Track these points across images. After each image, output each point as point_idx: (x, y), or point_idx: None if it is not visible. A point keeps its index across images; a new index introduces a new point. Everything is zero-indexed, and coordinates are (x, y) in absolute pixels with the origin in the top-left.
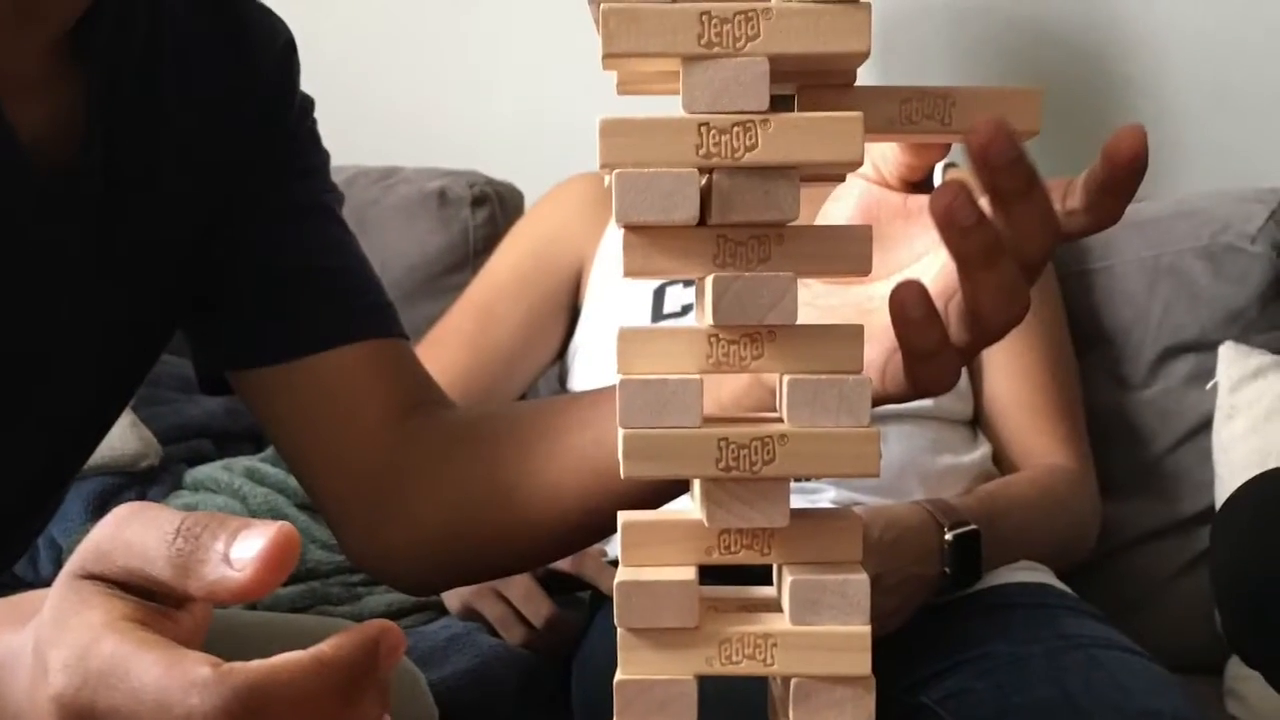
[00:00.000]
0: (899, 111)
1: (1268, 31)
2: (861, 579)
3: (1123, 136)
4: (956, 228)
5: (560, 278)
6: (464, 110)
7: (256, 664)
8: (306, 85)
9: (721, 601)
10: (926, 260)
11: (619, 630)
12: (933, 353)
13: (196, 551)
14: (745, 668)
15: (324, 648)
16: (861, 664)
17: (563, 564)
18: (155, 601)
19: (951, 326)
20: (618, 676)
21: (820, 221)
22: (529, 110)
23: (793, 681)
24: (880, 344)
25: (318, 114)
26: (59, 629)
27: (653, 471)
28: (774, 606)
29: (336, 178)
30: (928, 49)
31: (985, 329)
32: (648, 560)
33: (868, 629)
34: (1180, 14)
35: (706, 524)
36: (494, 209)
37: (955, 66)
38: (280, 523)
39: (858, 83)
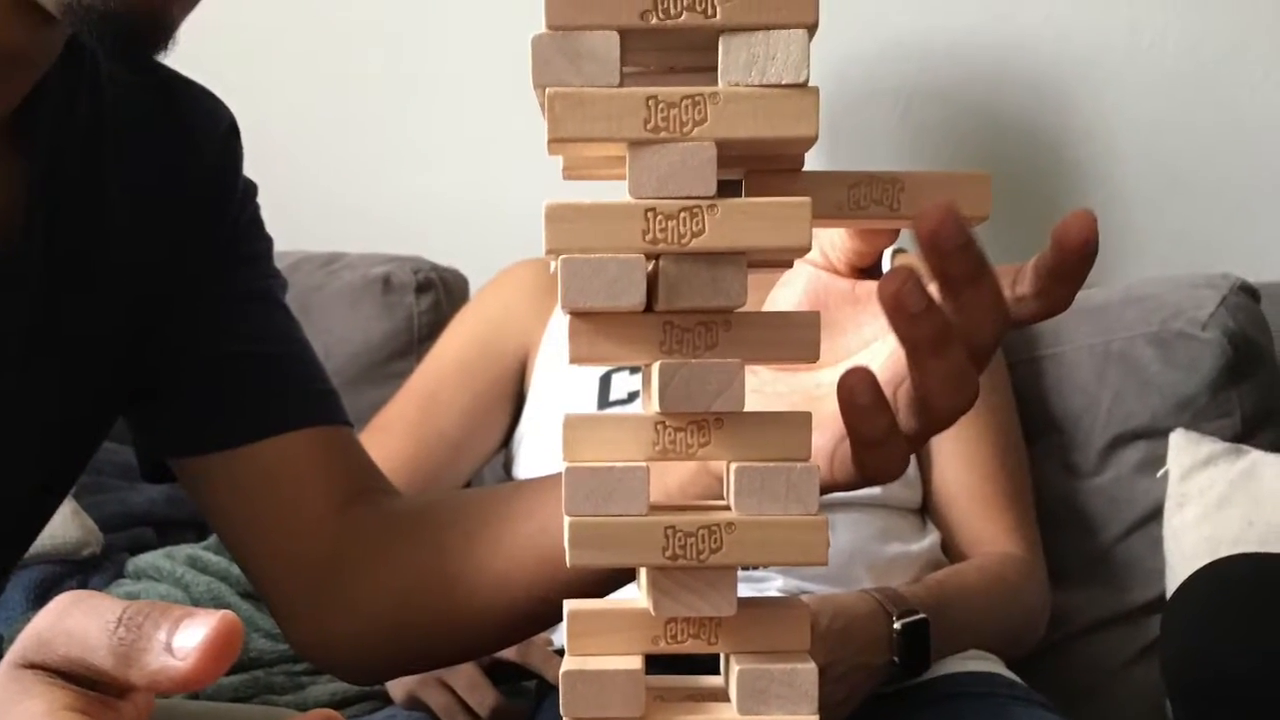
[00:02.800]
0: (847, 196)
1: (1218, 117)
2: (809, 668)
3: (1072, 222)
4: (905, 314)
5: (505, 364)
6: (408, 196)
7: None
8: (250, 170)
9: (668, 691)
10: (875, 346)
11: None
12: (881, 440)
13: (139, 640)
14: None
15: None
16: None
17: (508, 653)
18: (97, 691)
19: (900, 414)
20: None
21: (768, 307)
22: (474, 196)
23: None
24: (828, 431)
25: (261, 199)
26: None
27: (599, 560)
28: (721, 696)
29: (280, 263)
30: (876, 134)
31: (934, 416)
32: (594, 649)
33: (816, 719)
34: (1131, 100)
35: (653, 613)
36: (438, 295)
37: (904, 151)
38: (223, 611)
39: (806, 167)
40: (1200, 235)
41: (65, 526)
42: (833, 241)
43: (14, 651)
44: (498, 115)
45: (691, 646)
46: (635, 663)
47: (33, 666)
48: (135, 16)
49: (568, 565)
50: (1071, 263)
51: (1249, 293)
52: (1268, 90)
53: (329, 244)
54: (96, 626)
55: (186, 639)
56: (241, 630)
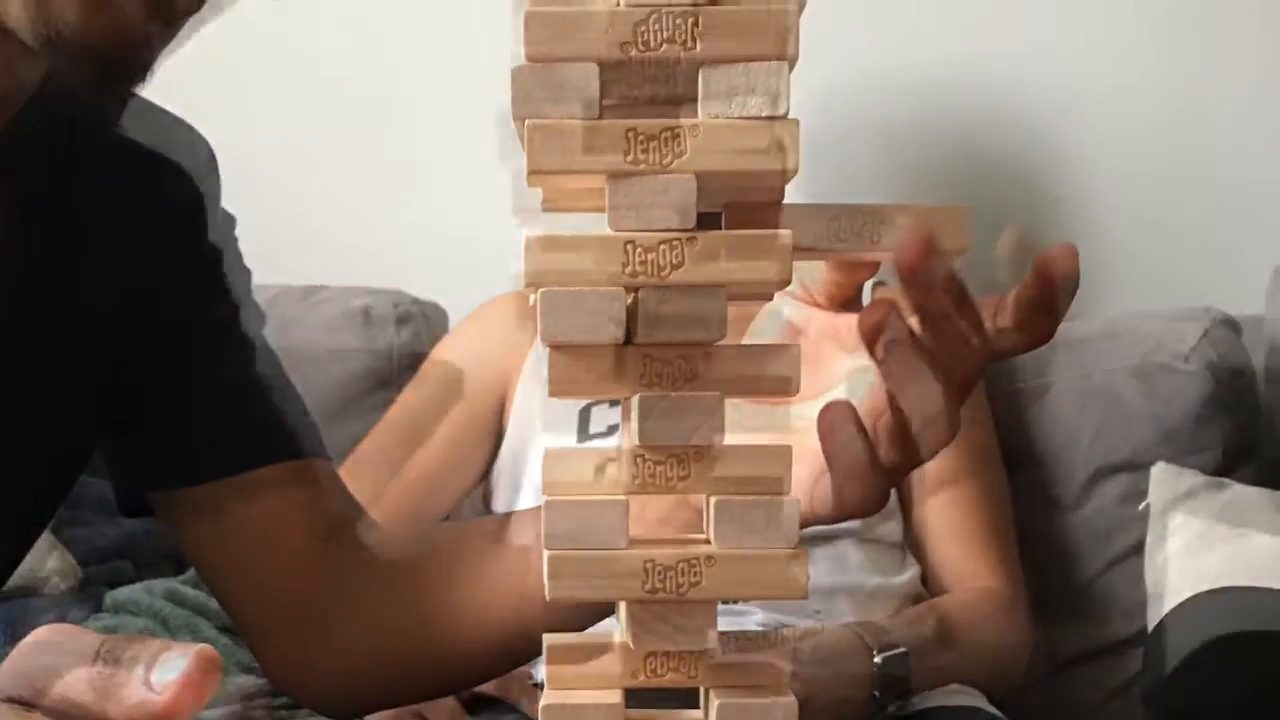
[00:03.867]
0: (827, 229)
1: (1198, 154)
2: (789, 702)
3: (1055, 254)
4: (885, 347)
5: (485, 397)
6: (388, 228)
7: None
8: (229, 202)
9: None
10: (855, 379)
11: None
12: (861, 473)
13: (116, 674)
14: None
15: None
16: None
17: (488, 687)
18: None
19: (880, 447)
20: None
21: (748, 340)
22: (453, 229)
23: None
24: (808, 464)
25: (240, 231)
26: None
27: (578, 593)
28: None
29: (259, 296)
30: (856, 167)
31: (915, 449)
32: (573, 683)
33: None
34: (1112, 135)
35: (633, 646)
36: (418, 328)
37: (884, 184)
38: (202, 645)
39: (786, 200)
40: (1181, 269)
41: (43, 560)
42: (813, 274)
43: None
44: (477, 148)
45: (671, 680)
46: (615, 696)
47: (9, 701)
48: (112, 49)
49: (547, 599)
50: (1053, 295)
51: (1231, 326)
52: (1249, 125)
53: (308, 277)
54: (74, 660)
55: (165, 673)
56: (220, 664)
